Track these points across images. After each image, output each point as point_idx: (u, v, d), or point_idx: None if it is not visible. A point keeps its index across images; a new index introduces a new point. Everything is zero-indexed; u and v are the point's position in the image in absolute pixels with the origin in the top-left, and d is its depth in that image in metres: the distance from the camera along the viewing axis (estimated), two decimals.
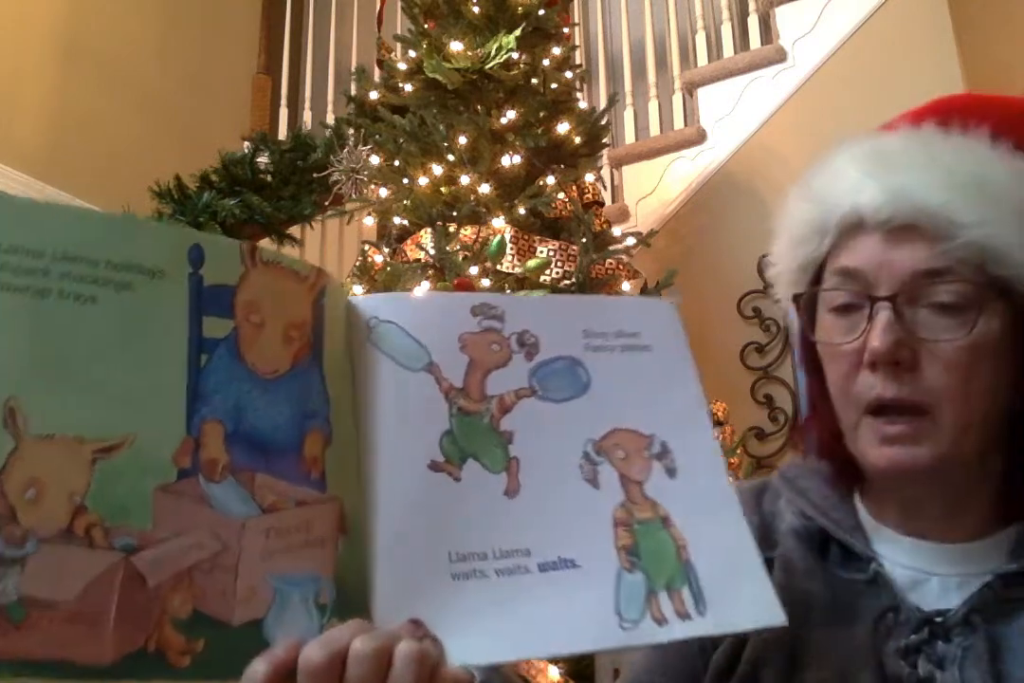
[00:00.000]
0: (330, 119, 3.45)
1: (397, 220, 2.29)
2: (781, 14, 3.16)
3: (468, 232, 2.16)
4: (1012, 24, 3.50)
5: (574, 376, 0.61)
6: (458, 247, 2.10)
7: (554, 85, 2.39)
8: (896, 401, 0.63)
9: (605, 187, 2.80)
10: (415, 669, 0.45)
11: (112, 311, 0.47)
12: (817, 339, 0.69)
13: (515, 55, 2.30)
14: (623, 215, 3.10)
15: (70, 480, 0.44)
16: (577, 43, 3.09)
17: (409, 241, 2.24)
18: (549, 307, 0.65)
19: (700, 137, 3.11)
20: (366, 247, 2.34)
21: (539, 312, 0.63)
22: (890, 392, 0.63)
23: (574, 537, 0.56)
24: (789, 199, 0.73)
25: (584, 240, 2.19)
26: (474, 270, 2.03)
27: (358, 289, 2.18)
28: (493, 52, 2.27)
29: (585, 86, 3.45)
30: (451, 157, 2.22)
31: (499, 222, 2.16)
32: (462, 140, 2.21)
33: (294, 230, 2.65)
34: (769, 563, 0.64)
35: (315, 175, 2.46)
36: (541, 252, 2.20)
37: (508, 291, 2.02)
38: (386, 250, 2.28)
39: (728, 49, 3.30)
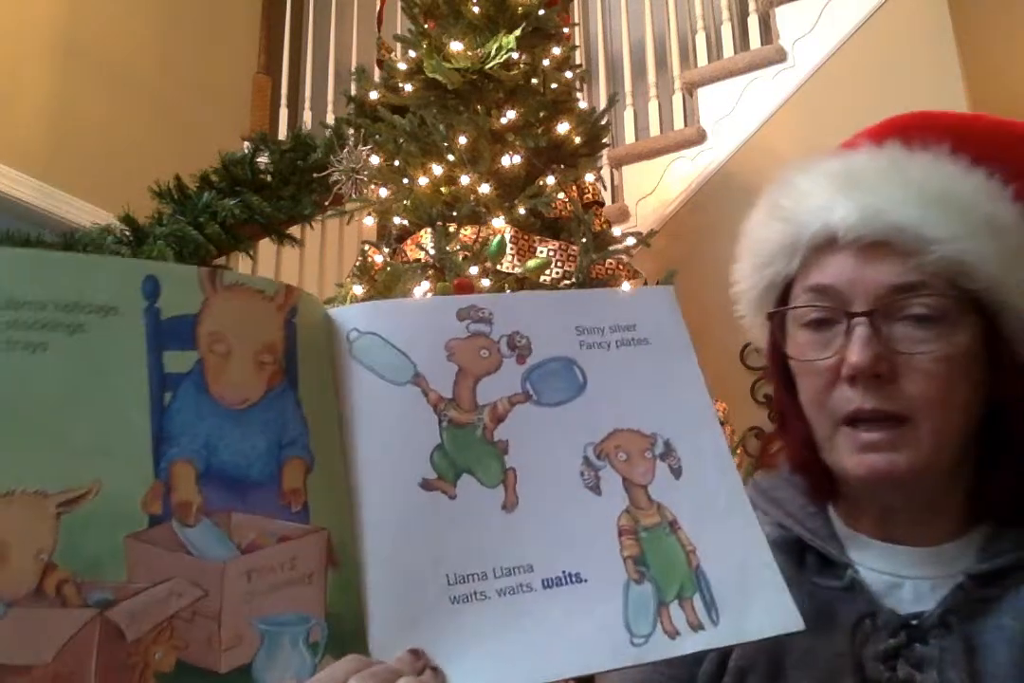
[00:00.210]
0: (330, 119, 3.45)
1: (397, 220, 2.29)
2: (781, 14, 3.16)
3: (468, 232, 2.16)
4: (1012, 24, 3.49)
5: (569, 377, 0.58)
6: (458, 247, 2.10)
7: (554, 85, 2.39)
8: (876, 412, 0.64)
9: (605, 187, 2.80)
10: None
11: (65, 356, 0.45)
12: (791, 355, 0.70)
13: (515, 55, 2.30)
14: (623, 215, 3.10)
15: (36, 538, 0.43)
16: (577, 43, 3.09)
17: (409, 241, 2.24)
18: (539, 305, 0.61)
19: (700, 137, 3.11)
20: (366, 247, 2.34)
21: (529, 311, 0.60)
22: (869, 404, 0.64)
23: (578, 549, 0.53)
24: (753, 220, 0.74)
25: (584, 240, 2.19)
26: (474, 270, 2.03)
27: (358, 289, 2.18)
28: (493, 52, 2.27)
29: (585, 86, 3.45)
30: (451, 157, 2.22)
31: (499, 222, 2.16)
32: (462, 140, 2.21)
33: (294, 230, 2.65)
34: None
35: (315, 175, 2.46)
36: (541, 252, 2.20)
37: (508, 291, 2.02)
38: (386, 250, 2.28)
39: (728, 49, 3.30)
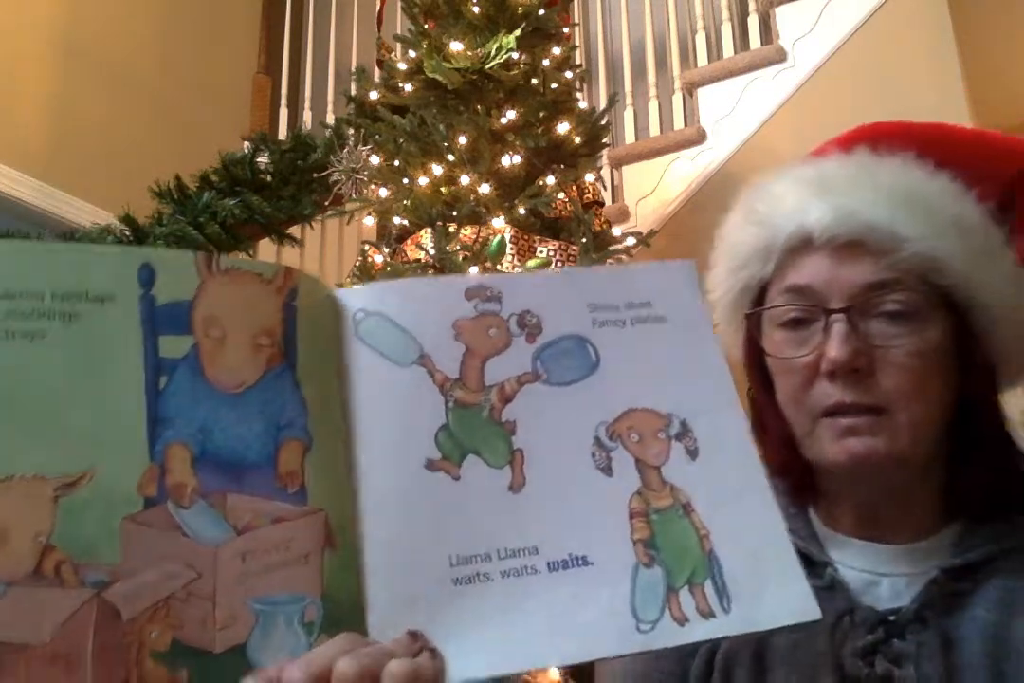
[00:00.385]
0: (330, 119, 3.45)
1: (397, 220, 2.29)
2: (781, 14, 3.16)
3: (468, 232, 2.16)
4: (1012, 24, 3.49)
5: (582, 356, 0.56)
6: (458, 247, 2.10)
7: (554, 85, 2.39)
8: (855, 406, 0.66)
9: (605, 187, 2.80)
10: None
11: (62, 344, 0.46)
12: (769, 354, 0.72)
13: (515, 55, 2.30)
14: (623, 215, 3.10)
15: (34, 521, 0.44)
16: (577, 43, 3.09)
17: (409, 241, 2.24)
18: (550, 283, 0.60)
19: (700, 137, 3.11)
20: (366, 247, 2.34)
21: (540, 289, 0.58)
22: (849, 398, 0.66)
23: (586, 532, 0.52)
24: (727, 226, 0.77)
25: (584, 240, 2.19)
26: (474, 270, 2.03)
27: None
28: (493, 52, 2.27)
29: (585, 86, 3.45)
30: (451, 157, 2.22)
31: (499, 222, 2.16)
32: (462, 140, 2.21)
33: (294, 230, 2.65)
34: None
35: (315, 175, 2.45)
36: (541, 252, 2.20)
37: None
38: (386, 250, 2.28)
39: (728, 49, 3.30)
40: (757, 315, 0.73)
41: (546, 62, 2.39)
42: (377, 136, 2.35)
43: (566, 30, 2.60)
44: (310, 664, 0.43)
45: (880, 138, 0.74)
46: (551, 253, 2.20)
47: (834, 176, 0.72)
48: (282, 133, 3.81)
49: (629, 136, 3.40)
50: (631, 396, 0.56)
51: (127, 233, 2.31)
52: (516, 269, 2.11)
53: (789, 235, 0.70)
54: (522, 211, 2.19)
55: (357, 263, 2.31)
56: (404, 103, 2.39)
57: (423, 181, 2.23)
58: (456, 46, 2.29)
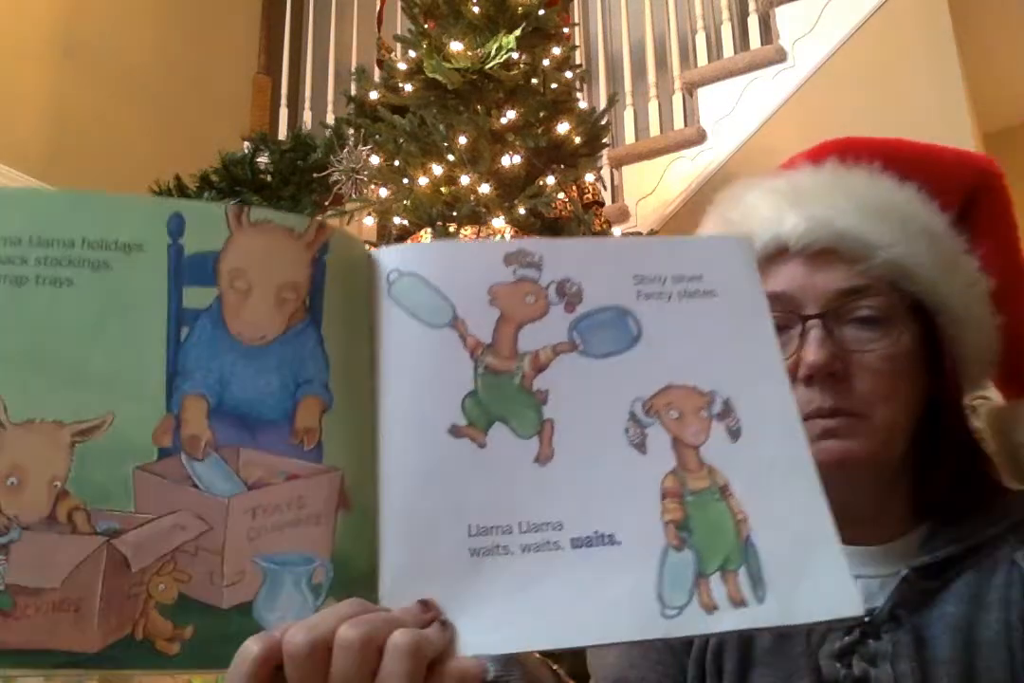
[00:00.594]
0: (330, 119, 3.46)
1: (397, 220, 2.29)
2: (781, 14, 3.16)
3: (468, 232, 2.16)
4: (1012, 24, 3.49)
5: (623, 328, 0.54)
6: None
7: (554, 85, 2.39)
8: (834, 410, 0.68)
9: (605, 187, 2.80)
10: (407, 666, 0.41)
11: (89, 292, 0.47)
12: None
13: (515, 55, 2.30)
14: (623, 215, 3.10)
15: (51, 465, 0.44)
16: (577, 43, 3.09)
17: (409, 241, 2.24)
18: (595, 251, 0.57)
19: (700, 137, 3.11)
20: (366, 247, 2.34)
21: (583, 257, 0.56)
22: (828, 403, 0.67)
23: (614, 509, 0.49)
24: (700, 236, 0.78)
25: None
26: None
27: None
28: (493, 52, 2.27)
29: (585, 86, 3.45)
30: (451, 157, 2.22)
31: (499, 222, 2.16)
32: (462, 140, 2.21)
33: None
34: None
35: (315, 175, 2.46)
36: None
37: None
38: None
39: (728, 49, 3.30)
40: None
41: (546, 62, 2.40)
42: (377, 136, 2.35)
43: (566, 30, 2.60)
44: (313, 628, 0.42)
45: (847, 151, 0.77)
46: None
47: (807, 186, 0.74)
48: (282, 133, 3.82)
49: (629, 136, 3.40)
50: (672, 372, 0.53)
51: None
52: None
53: (765, 244, 0.72)
54: (522, 211, 2.19)
55: None
56: (404, 103, 2.39)
57: (423, 181, 2.23)
58: (456, 46, 2.29)
